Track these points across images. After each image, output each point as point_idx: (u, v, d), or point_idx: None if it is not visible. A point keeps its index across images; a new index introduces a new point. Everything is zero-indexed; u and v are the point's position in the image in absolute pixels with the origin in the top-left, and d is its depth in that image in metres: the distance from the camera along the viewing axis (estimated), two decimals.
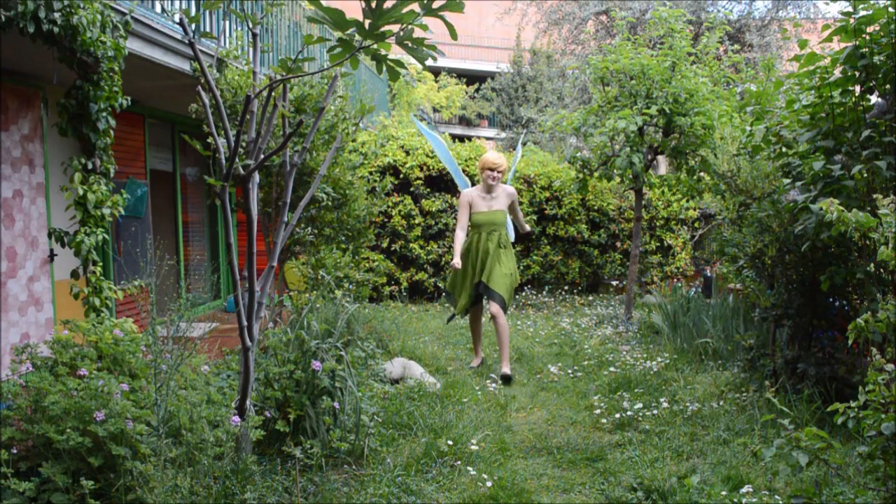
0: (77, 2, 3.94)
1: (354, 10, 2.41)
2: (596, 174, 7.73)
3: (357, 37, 2.40)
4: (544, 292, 9.98)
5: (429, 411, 4.51)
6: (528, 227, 6.27)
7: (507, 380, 5.45)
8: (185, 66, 5.62)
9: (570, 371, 5.83)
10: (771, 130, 4.76)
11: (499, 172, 5.73)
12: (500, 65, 26.45)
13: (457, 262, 5.56)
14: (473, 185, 6.89)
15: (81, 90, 4.29)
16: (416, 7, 2.26)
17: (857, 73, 4.08)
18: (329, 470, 3.56)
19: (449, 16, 2.36)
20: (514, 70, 25.37)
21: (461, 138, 12.82)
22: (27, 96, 5.33)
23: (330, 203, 5.96)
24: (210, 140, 4.15)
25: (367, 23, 2.28)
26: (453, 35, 2.37)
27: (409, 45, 2.36)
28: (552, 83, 19.28)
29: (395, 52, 2.51)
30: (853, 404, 2.49)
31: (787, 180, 4.60)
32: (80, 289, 4.34)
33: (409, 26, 2.30)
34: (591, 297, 10.02)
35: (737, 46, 12.18)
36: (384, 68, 2.50)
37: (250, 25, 3.02)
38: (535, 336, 7.37)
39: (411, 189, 9.83)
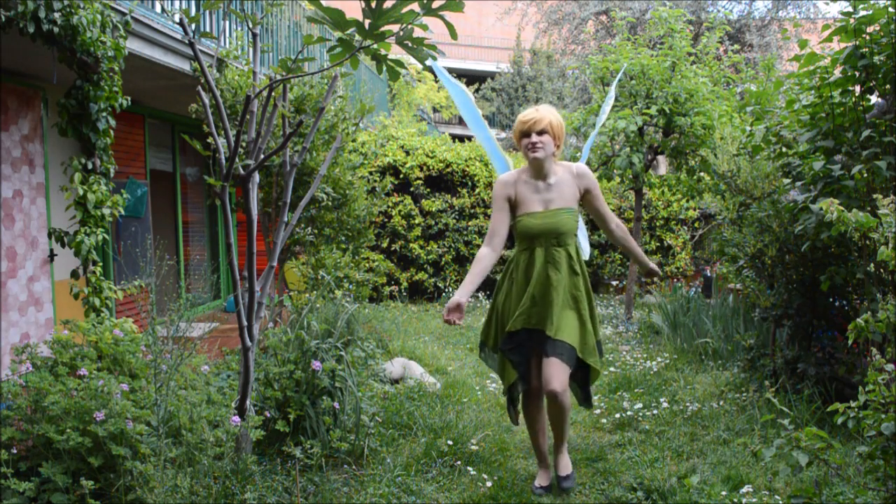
0: (77, 2, 3.94)
1: (354, 11, 2.41)
2: (596, 174, 7.73)
3: (357, 37, 2.40)
4: None
5: (429, 411, 4.51)
6: (647, 261, 3.58)
7: (566, 488, 3.39)
8: (185, 66, 5.62)
9: None
10: (771, 130, 4.76)
11: (540, 134, 3.23)
12: (500, 65, 26.48)
13: (457, 300, 3.15)
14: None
15: (81, 90, 4.30)
16: (415, 7, 2.26)
17: (857, 73, 4.08)
18: (329, 470, 3.57)
19: (449, 16, 2.36)
20: (514, 70, 25.38)
21: (461, 138, 12.82)
22: (27, 96, 5.33)
23: (330, 203, 5.96)
24: (210, 140, 4.16)
25: (366, 23, 2.28)
26: (453, 35, 2.37)
27: (409, 45, 2.36)
28: (552, 83, 19.30)
29: (395, 52, 2.51)
30: (853, 404, 2.48)
31: (787, 180, 4.60)
32: (80, 289, 4.34)
33: (409, 26, 2.30)
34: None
35: (737, 46, 12.19)
36: (384, 68, 2.50)
37: (250, 25, 3.02)
38: None
39: (411, 189, 9.83)
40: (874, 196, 2.85)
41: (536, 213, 3.29)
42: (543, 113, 3.28)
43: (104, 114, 4.42)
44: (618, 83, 4.40)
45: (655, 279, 10.16)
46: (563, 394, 3.24)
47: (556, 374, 3.20)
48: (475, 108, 4.18)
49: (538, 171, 3.33)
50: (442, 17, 2.29)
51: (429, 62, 2.61)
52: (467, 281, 3.22)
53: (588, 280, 3.41)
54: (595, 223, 3.54)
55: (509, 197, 3.33)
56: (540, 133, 3.25)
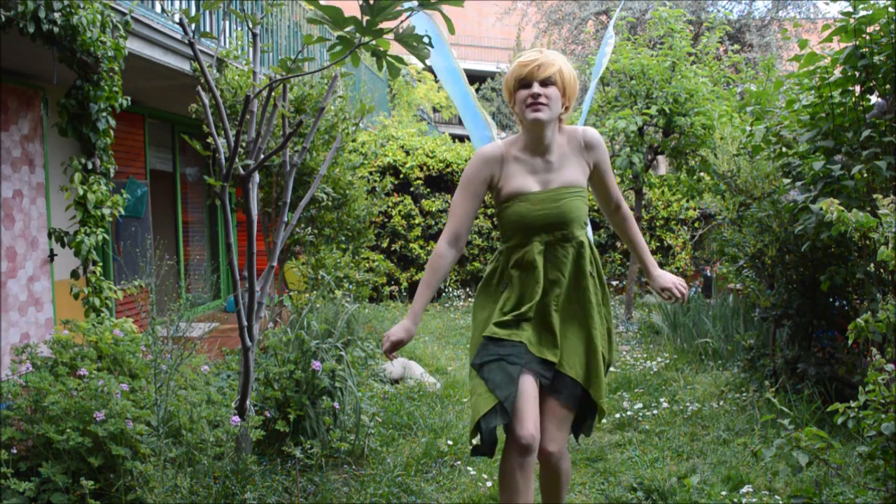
0: (77, 2, 3.94)
1: (353, 10, 2.41)
2: None
3: (356, 34, 2.40)
4: None
5: (429, 411, 4.51)
6: (651, 260, 2.61)
7: None
8: (185, 66, 5.62)
9: None
10: (771, 130, 4.76)
11: (544, 85, 2.30)
12: (500, 65, 26.44)
13: (400, 336, 2.36)
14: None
15: (81, 90, 4.30)
16: (414, 2, 2.26)
17: (857, 73, 4.08)
18: (329, 470, 3.56)
19: (449, 14, 2.36)
20: None
21: (461, 138, 12.81)
22: (27, 96, 5.33)
23: (330, 203, 5.96)
24: (210, 140, 4.16)
25: (365, 20, 2.28)
26: (451, 29, 2.37)
27: (408, 41, 2.36)
28: None
29: (396, 50, 2.50)
30: (853, 404, 2.48)
31: (787, 180, 4.60)
32: (80, 289, 4.34)
33: (409, 23, 2.30)
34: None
35: (737, 46, 12.19)
36: (384, 67, 2.50)
37: (250, 25, 3.02)
38: None
39: (411, 189, 9.83)
40: (874, 196, 2.85)
41: (533, 195, 2.35)
42: (551, 56, 2.32)
43: (104, 114, 4.42)
44: (615, 24, 3.42)
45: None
46: (560, 455, 2.38)
47: (554, 427, 2.36)
48: (453, 60, 3.35)
49: (537, 140, 2.36)
50: (441, 11, 2.29)
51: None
52: (418, 300, 2.38)
53: (605, 285, 2.51)
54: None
55: (491, 179, 2.39)
56: (545, 83, 2.29)
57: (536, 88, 2.29)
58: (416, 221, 9.73)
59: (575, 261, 2.40)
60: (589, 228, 3.12)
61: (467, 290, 9.89)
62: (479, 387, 2.31)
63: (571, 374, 2.35)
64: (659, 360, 5.95)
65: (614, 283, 10.32)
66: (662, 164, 11.90)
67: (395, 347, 2.36)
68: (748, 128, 5.24)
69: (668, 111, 7.13)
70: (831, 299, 4.66)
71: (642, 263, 2.62)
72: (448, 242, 2.40)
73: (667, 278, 2.57)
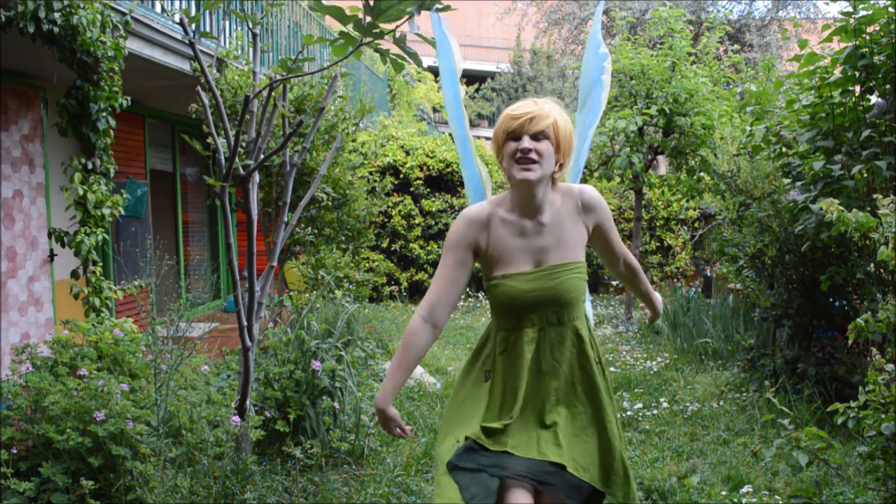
0: (77, 2, 3.94)
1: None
2: (596, 174, 7.73)
3: (356, 33, 2.41)
4: None
5: (429, 411, 4.51)
6: (658, 301, 2.50)
7: None
8: (185, 66, 5.63)
9: None
10: (771, 130, 4.76)
11: (536, 139, 2.01)
12: (500, 65, 26.48)
13: (383, 409, 2.06)
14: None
15: (81, 90, 4.30)
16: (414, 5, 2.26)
17: (857, 73, 4.09)
18: (329, 470, 3.57)
19: (449, 17, 2.36)
20: (514, 70, 25.40)
21: None
22: (27, 96, 5.33)
23: (330, 203, 5.96)
24: (210, 140, 4.15)
25: (366, 20, 2.28)
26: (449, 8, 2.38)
27: (404, 46, 2.37)
28: (552, 83, 19.29)
29: (394, 49, 2.51)
30: (853, 404, 2.48)
31: (787, 180, 4.60)
32: (80, 289, 4.34)
33: (402, 33, 2.31)
34: (590, 297, 10.02)
35: (737, 46, 12.19)
36: (384, 68, 2.50)
37: (250, 25, 3.02)
38: None
39: (411, 189, 9.83)
40: (874, 196, 2.85)
41: (524, 275, 2.06)
42: (545, 107, 2.06)
43: (104, 114, 4.42)
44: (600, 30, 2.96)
45: (656, 280, 10.15)
46: None
47: None
48: (458, 84, 3.07)
49: (527, 201, 2.06)
50: (439, 7, 2.29)
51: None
52: (389, 381, 2.05)
53: (606, 367, 2.20)
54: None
55: (478, 245, 2.08)
56: (537, 137, 2.02)
57: (527, 143, 2.00)
58: (416, 221, 9.74)
59: (575, 347, 2.11)
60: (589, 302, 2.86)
61: (467, 289, 9.90)
62: (450, 490, 1.98)
63: (585, 477, 2.03)
64: (659, 360, 5.95)
65: (614, 283, 10.33)
66: (662, 164, 11.90)
67: (395, 422, 2.08)
68: (748, 128, 5.24)
69: (668, 111, 7.13)
70: (831, 299, 4.66)
71: (650, 307, 2.49)
72: (423, 317, 2.05)
73: (660, 312, 2.54)
